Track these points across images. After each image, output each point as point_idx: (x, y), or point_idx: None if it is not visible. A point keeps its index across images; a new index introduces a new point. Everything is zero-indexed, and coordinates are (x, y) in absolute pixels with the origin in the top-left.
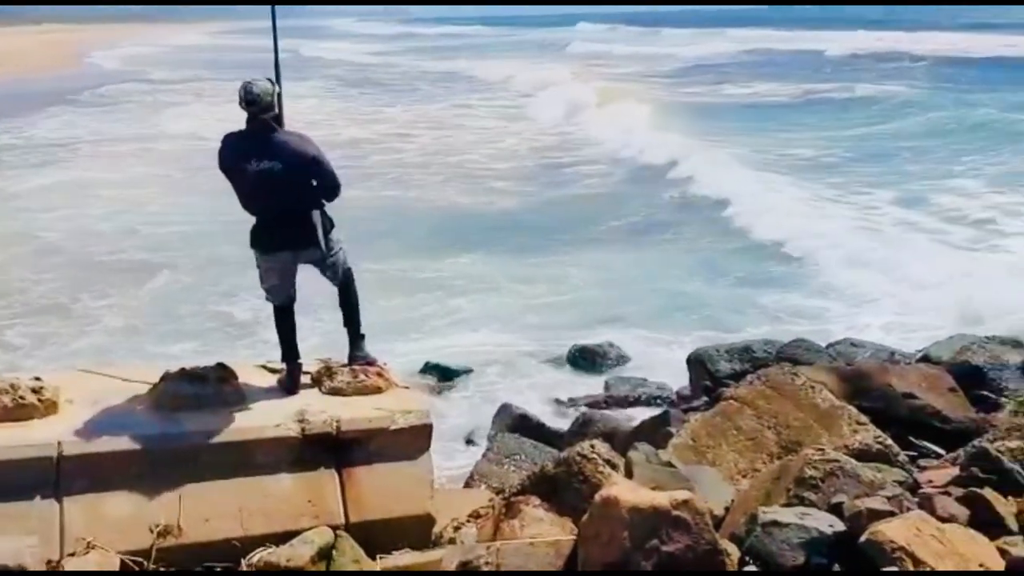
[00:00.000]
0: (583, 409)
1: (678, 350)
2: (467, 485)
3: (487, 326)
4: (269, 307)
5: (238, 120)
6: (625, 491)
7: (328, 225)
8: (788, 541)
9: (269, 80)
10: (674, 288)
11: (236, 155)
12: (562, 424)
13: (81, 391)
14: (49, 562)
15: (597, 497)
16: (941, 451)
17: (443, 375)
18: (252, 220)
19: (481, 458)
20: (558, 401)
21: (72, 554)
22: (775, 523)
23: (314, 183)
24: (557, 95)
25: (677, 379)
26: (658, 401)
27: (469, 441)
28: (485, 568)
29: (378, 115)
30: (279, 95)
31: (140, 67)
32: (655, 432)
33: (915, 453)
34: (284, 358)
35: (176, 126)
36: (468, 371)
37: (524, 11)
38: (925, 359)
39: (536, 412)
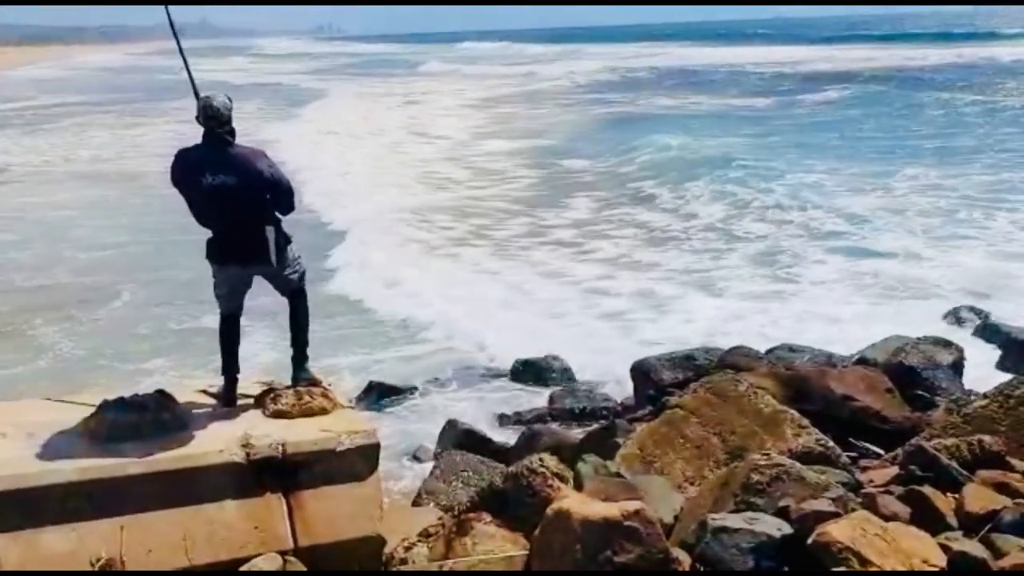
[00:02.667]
0: (529, 423)
1: (620, 361)
2: (415, 503)
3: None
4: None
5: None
6: (576, 503)
7: (282, 241)
8: (738, 546)
9: (227, 96)
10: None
11: (190, 169)
12: (509, 439)
13: (15, 423)
14: None
15: (549, 511)
16: (880, 451)
17: (387, 393)
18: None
19: (429, 476)
20: (503, 416)
21: None
22: (724, 529)
23: (268, 197)
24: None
25: (621, 390)
26: (603, 412)
27: (415, 459)
28: None
29: None
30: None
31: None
32: (602, 443)
33: (855, 454)
34: (223, 369)
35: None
36: (412, 388)
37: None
38: (862, 361)
39: (482, 428)
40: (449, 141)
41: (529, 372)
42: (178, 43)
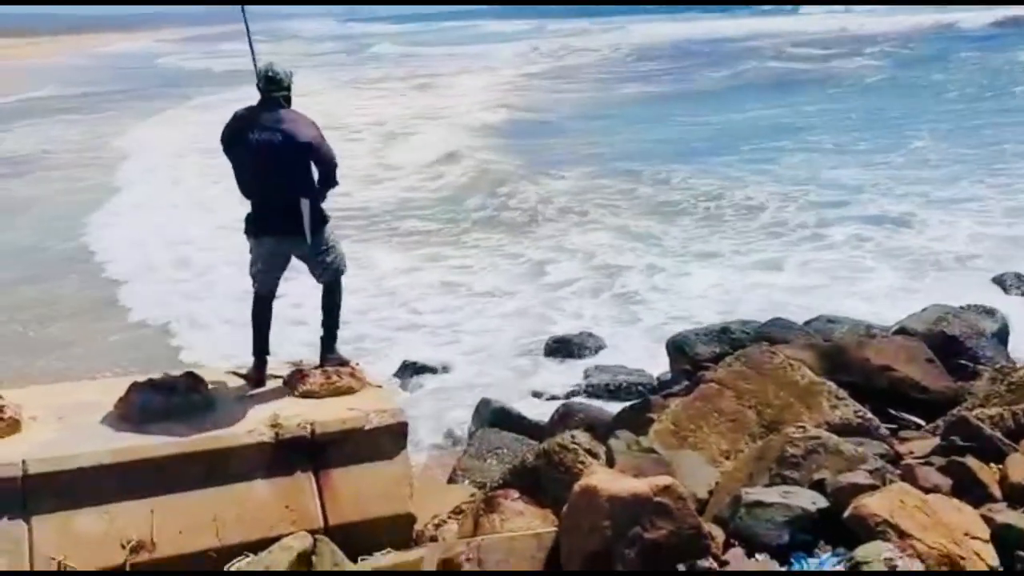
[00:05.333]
0: (563, 400)
1: (656, 336)
2: (450, 481)
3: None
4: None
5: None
6: (604, 480)
7: (321, 219)
8: (772, 520)
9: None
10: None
11: (240, 126)
12: (542, 416)
13: (45, 407)
14: None
15: (576, 487)
16: (921, 421)
17: (421, 371)
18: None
19: (463, 453)
20: (537, 394)
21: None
22: (758, 503)
23: (312, 168)
24: None
25: (657, 365)
26: (639, 388)
27: (450, 437)
28: (467, 565)
29: None
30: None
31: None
32: (636, 419)
33: (895, 425)
34: (254, 350)
35: None
36: (446, 367)
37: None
38: (902, 331)
39: (516, 405)
40: None
41: (563, 349)
42: (248, 35)
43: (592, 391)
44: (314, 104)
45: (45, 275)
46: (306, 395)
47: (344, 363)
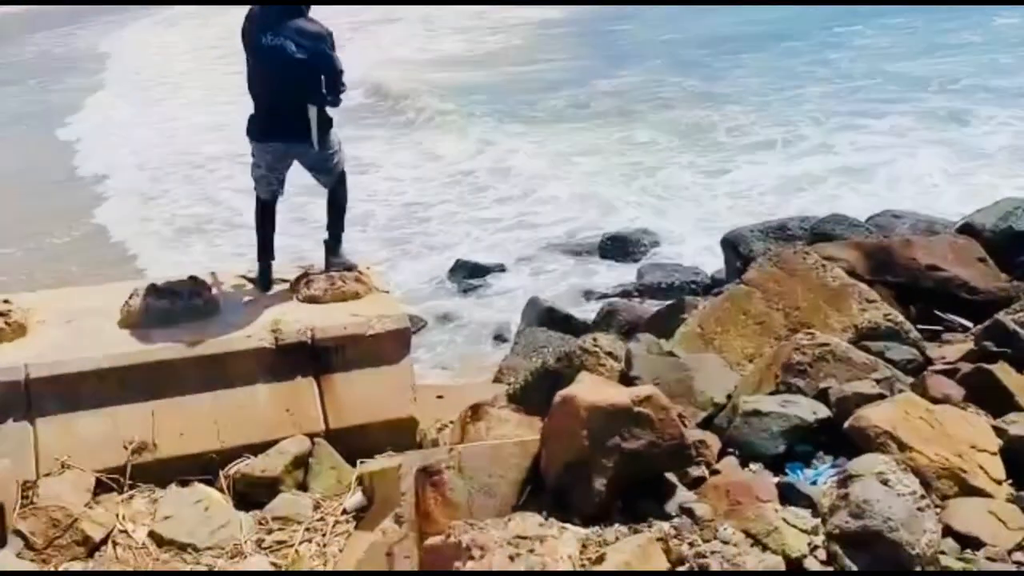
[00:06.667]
0: (612, 299)
1: (714, 232)
2: (496, 380)
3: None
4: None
5: None
6: (585, 389)
7: (325, 124)
8: (768, 430)
9: None
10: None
11: (255, 26)
12: (591, 316)
13: (53, 311)
14: (25, 483)
15: (557, 396)
16: (968, 324)
17: (474, 272)
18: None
19: (510, 352)
20: (588, 293)
21: (48, 475)
22: (756, 412)
23: (319, 75)
24: None
25: (715, 263)
26: (692, 286)
27: (498, 337)
28: (447, 472)
29: None
30: None
31: None
32: (669, 321)
33: (941, 328)
34: (259, 256)
35: None
36: (500, 267)
37: None
38: (967, 227)
39: (567, 305)
40: None
41: (617, 247)
42: None
43: (644, 290)
44: None
45: None
46: (310, 300)
47: (350, 267)
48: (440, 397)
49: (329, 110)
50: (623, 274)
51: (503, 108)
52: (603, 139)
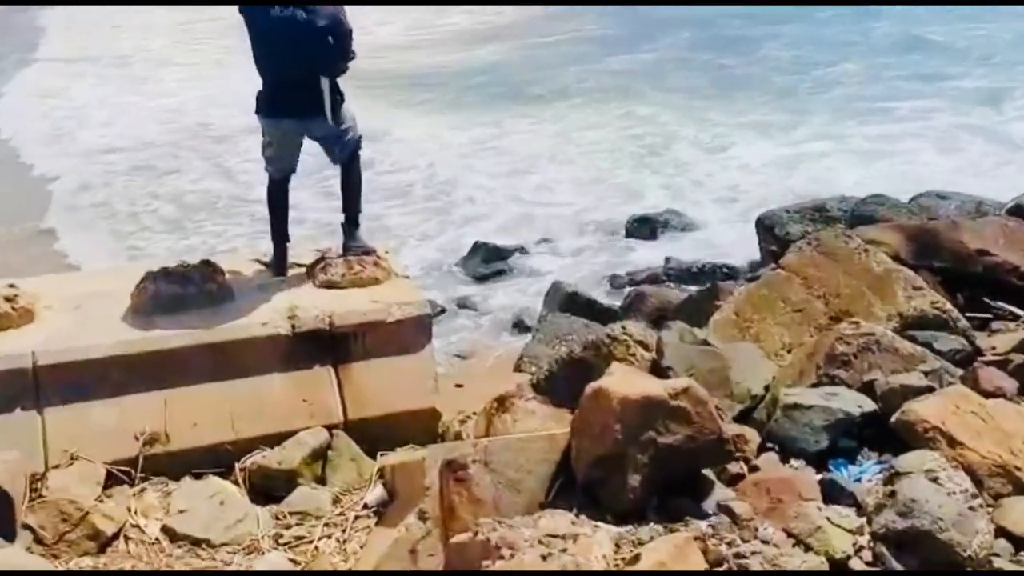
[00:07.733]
0: (640, 284)
1: (748, 214)
2: (517, 369)
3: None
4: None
5: None
6: (616, 381)
7: (339, 98)
8: (811, 424)
9: None
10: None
11: None
12: (617, 301)
13: (60, 296)
14: (34, 475)
15: (588, 388)
16: (1021, 312)
17: (493, 254)
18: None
19: (531, 339)
20: (615, 277)
21: (56, 466)
22: (796, 406)
23: (330, 42)
24: None
25: (747, 246)
26: (724, 270)
27: (519, 323)
28: (473, 467)
29: None
30: None
31: None
32: (702, 307)
33: (990, 316)
34: (273, 237)
35: None
36: (520, 248)
37: None
38: (1019, 208)
39: (593, 290)
40: None
41: (645, 228)
42: None
43: (674, 274)
44: None
45: None
46: (327, 285)
47: (369, 251)
48: (459, 386)
49: (341, 84)
50: (651, 258)
51: (518, 81)
52: (619, 119)
